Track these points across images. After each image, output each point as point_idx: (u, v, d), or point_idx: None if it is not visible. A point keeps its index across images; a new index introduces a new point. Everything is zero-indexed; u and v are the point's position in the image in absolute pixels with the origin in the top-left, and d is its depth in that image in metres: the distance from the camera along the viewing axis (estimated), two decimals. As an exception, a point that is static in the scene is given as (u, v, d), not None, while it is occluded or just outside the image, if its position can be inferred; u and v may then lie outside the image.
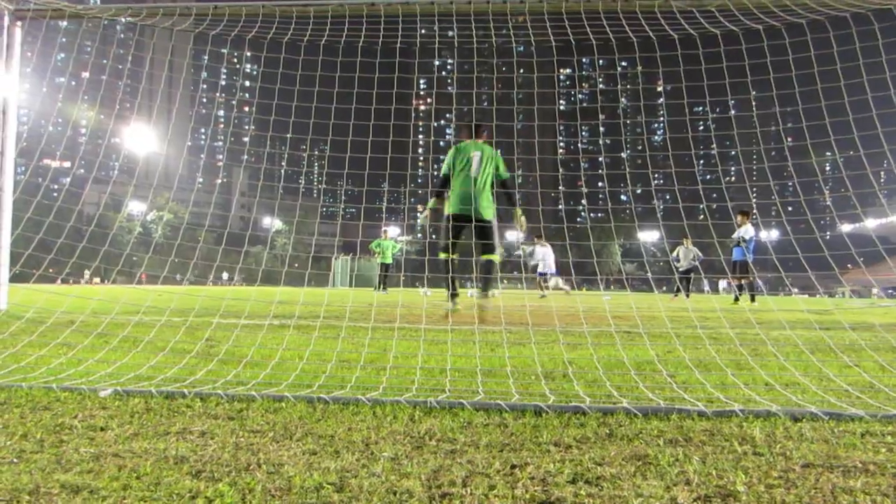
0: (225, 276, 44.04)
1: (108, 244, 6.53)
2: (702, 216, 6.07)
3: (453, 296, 7.05)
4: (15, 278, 7.00)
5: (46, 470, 1.62)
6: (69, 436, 1.96)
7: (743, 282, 15.31)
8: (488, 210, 7.00)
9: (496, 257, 7.01)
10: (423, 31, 6.72)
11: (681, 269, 19.17)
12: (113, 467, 1.65)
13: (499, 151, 7.21)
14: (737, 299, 15.24)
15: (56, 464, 1.67)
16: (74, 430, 2.03)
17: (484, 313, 6.78)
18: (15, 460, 1.71)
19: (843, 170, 5.40)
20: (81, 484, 1.51)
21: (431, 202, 7.33)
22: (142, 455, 1.77)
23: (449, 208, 7.06)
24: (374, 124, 6.34)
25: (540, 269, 19.82)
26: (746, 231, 15.02)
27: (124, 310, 7.66)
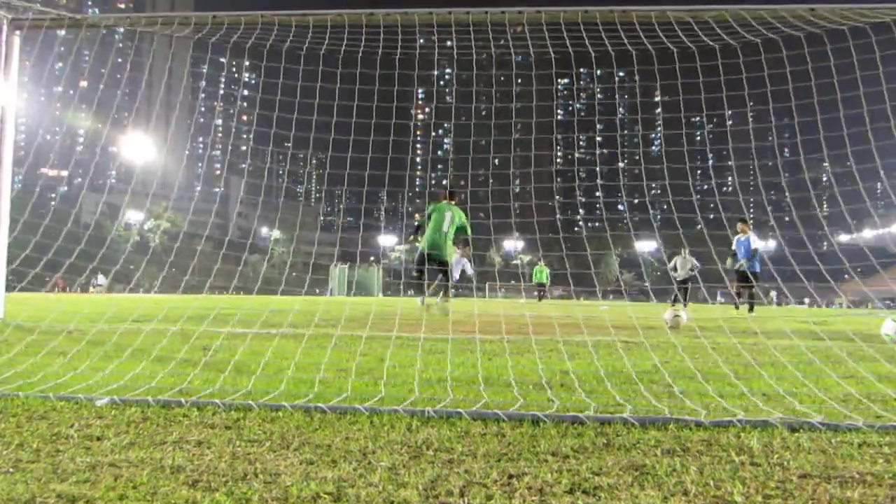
0: (100, 279, 40.16)
1: (106, 254, 6.51)
2: (699, 225, 6.09)
3: (422, 295, 9.96)
4: (11, 287, 6.98)
5: (43, 480, 1.61)
6: (65, 445, 1.95)
7: (742, 290, 15.29)
8: (450, 253, 9.90)
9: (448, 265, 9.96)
10: (421, 41, 6.76)
11: (678, 279, 19.15)
12: (109, 477, 1.64)
13: (461, 210, 10.05)
14: (737, 307, 15.23)
15: (52, 473, 1.67)
16: (71, 439, 2.02)
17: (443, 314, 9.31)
18: (11, 470, 1.70)
19: (834, 184, 5.42)
20: (78, 494, 1.51)
21: (411, 238, 10.33)
22: (138, 465, 1.76)
23: (422, 245, 9.68)
24: (374, 133, 6.39)
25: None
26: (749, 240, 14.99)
27: (119, 318, 7.63)
